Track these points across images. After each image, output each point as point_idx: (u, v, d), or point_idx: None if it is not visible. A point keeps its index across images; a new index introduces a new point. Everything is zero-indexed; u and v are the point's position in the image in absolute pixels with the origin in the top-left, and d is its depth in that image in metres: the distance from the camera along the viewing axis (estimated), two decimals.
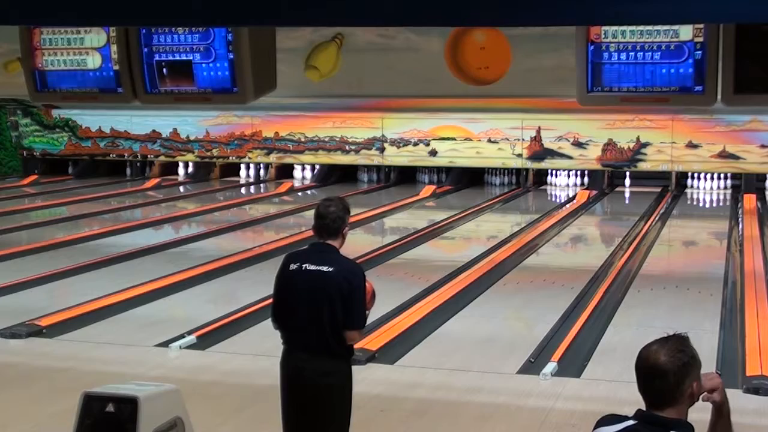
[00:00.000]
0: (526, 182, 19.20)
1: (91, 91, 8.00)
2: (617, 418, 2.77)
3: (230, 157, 20.38)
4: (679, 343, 2.73)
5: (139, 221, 15.05)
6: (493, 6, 4.31)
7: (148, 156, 20.90)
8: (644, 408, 2.76)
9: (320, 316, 4.25)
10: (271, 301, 4.57)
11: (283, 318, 4.42)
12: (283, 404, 4.45)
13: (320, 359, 4.30)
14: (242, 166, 20.81)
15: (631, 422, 2.73)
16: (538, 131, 18.45)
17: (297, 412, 4.38)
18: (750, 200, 16.47)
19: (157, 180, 20.29)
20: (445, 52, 7.46)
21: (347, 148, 19.43)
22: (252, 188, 20.10)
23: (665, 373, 2.68)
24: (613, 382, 6.44)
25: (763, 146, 17.31)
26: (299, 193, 19.04)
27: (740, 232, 13.39)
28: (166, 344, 7.51)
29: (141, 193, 18.89)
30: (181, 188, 20.06)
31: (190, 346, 7.49)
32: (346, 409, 4.42)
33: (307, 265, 4.31)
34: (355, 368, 6.71)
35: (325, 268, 4.27)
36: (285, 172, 20.53)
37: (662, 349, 2.71)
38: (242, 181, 20.81)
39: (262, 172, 20.74)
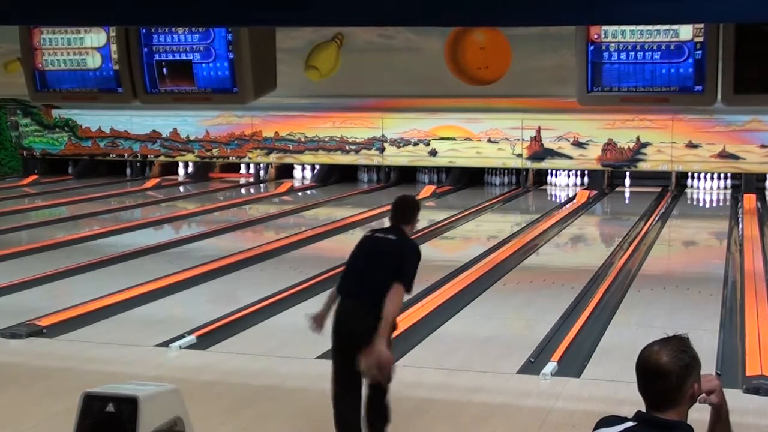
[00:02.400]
0: (526, 182, 19.20)
1: (91, 91, 8.00)
2: (617, 419, 2.77)
3: (230, 157, 20.40)
4: (680, 344, 2.72)
5: (139, 221, 15.05)
6: (492, 6, 4.31)
7: (148, 156, 20.91)
8: (644, 408, 2.76)
9: (376, 270, 5.11)
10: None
11: (347, 272, 5.31)
12: (333, 348, 5.25)
13: (367, 308, 5.00)
14: (242, 165, 20.83)
15: (630, 424, 2.72)
16: (538, 131, 18.45)
17: (343, 354, 5.12)
18: (750, 200, 16.47)
19: (157, 180, 20.30)
20: (445, 52, 7.46)
21: (347, 148, 19.43)
22: (252, 188, 20.11)
23: (667, 373, 2.67)
24: (613, 382, 6.44)
25: (763, 146, 17.31)
26: (299, 193, 19.05)
27: (740, 232, 13.39)
28: (166, 344, 7.51)
29: (141, 193, 18.90)
30: (181, 188, 20.06)
31: (190, 346, 7.49)
32: None
33: (377, 234, 5.36)
34: None
35: (391, 236, 5.24)
36: (285, 172, 20.53)
37: (664, 350, 2.69)
38: (242, 181, 20.81)
39: (262, 172, 20.74)
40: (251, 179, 20.64)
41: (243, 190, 19.99)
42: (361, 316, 5.02)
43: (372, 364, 4.85)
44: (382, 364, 4.88)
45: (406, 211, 5.35)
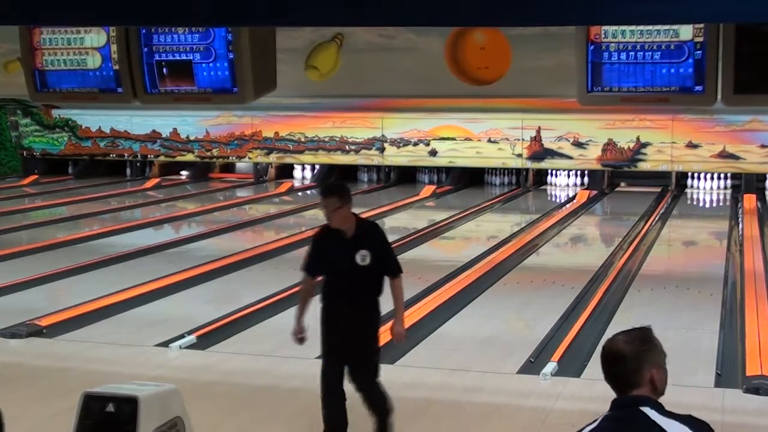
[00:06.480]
0: (526, 182, 19.21)
1: (91, 91, 8.00)
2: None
3: (230, 157, 20.40)
4: (640, 333, 2.83)
5: (139, 221, 15.05)
6: (492, 6, 4.31)
7: (148, 156, 20.91)
8: None
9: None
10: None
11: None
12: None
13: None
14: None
15: (606, 412, 2.79)
16: (538, 131, 18.45)
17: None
18: (750, 200, 16.47)
19: (157, 180, 20.30)
20: (445, 52, 7.46)
21: (347, 148, 19.43)
22: (252, 188, 20.10)
23: (623, 357, 2.76)
24: None
25: (763, 146, 17.31)
26: (299, 193, 19.05)
27: (740, 232, 13.39)
28: (166, 344, 7.51)
29: (141, 193, 18.90)
30: (181, 188, 20.06)
31: (190, 346, 7.49)
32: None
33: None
34: None
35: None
36: (285, 172, 20.53)
37: (622, 337, 2.81)
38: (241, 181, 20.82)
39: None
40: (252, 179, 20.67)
41: (243, 190, 19.98)
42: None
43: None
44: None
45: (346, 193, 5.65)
